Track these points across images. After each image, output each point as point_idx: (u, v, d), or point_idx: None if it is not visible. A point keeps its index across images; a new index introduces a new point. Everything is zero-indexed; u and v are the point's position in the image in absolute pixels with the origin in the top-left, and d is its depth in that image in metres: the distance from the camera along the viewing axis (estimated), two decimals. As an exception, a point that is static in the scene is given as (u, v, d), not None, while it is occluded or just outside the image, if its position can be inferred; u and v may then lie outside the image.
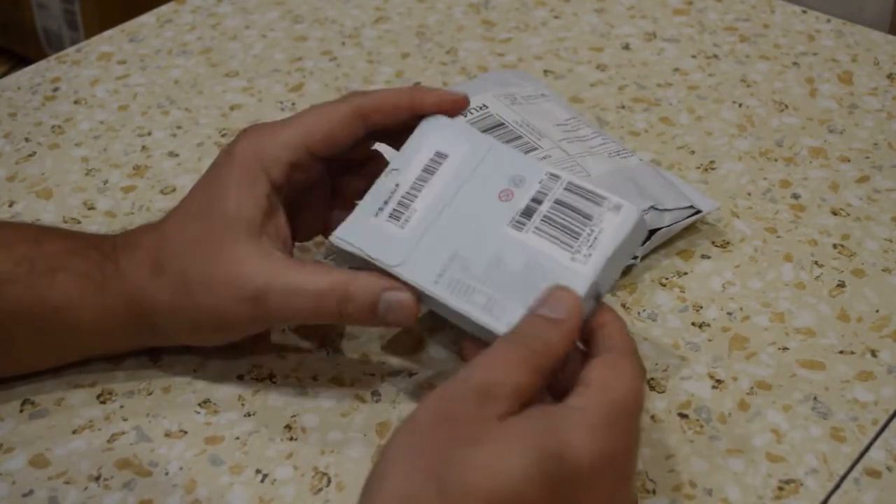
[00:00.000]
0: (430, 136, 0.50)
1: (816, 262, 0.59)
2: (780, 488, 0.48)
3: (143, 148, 0.67)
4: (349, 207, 0.53)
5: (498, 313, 0.45)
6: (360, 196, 0.51)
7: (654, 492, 0.47)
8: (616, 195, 0.48)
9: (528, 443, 0.38)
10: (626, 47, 0.76)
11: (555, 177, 0.48)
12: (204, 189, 0.50)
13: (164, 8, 0.81)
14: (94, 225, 0.61)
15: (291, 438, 0.50)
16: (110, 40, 0.78)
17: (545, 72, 0.74)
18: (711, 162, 0.66)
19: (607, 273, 0.46)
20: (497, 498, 0.37)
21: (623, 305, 0.56)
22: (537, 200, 0.48)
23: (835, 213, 0.62)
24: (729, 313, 0.56)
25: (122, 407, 0.51)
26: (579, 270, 0.46)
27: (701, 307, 0.56)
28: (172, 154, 0.67)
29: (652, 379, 0.52)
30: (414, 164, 0.49)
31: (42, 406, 0.51)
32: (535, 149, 0.60)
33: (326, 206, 0.54)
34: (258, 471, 0.48)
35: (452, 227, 0.47)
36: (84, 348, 0.52)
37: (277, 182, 0.49)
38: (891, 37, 0.77)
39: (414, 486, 0.38)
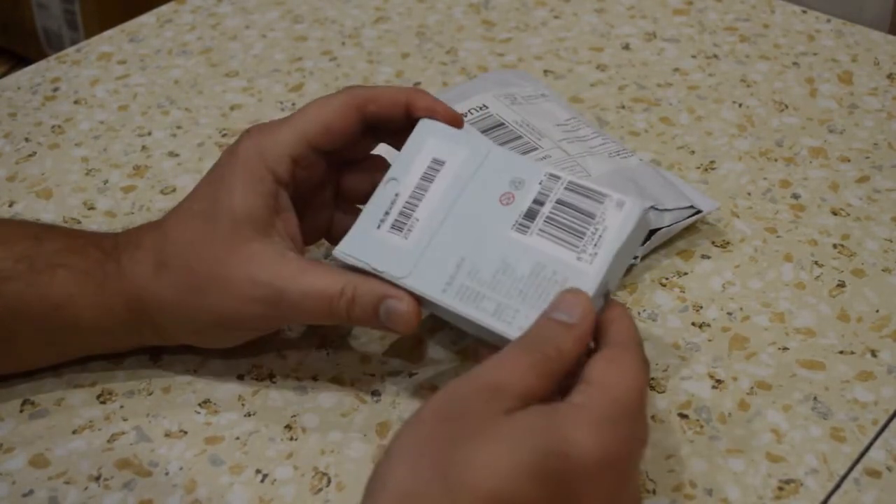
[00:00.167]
0: (427, 141, 0.50)
1: (816, 262, 0.59)
2: (780, 488, 0.48)
3: (143, 148, 0.67)
4: (352, 209, 0.53)
5: (509, 318, 0.45)
6: (363, 197, 0.51)
7: (654, 492, 0.47)
8: (617, 192, 0.48)
9: (530, 440, 0.38)
10: (626, 47, 0.76)
11: (555, 177, 0.48)
12: (207, 188, 0.50)
13: (164, 8, 0.81)
14: (95, 225, 0.61)
15: (291, 438, 0.50)
16: (110, 40, 0.78)
17: (545, 72, 0.74)
18: (711, 162, 0.66)
19: (614, 270, 0.46)
20: (499, 496, 0.37)
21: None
22: (539, 202, 0.48)
23: (835, 213, 0.62)
24: (729, 313, 0.56)
25: (122, 407, 0.51)
26: (586, 270, 0.46)
27: (701, 307, 0.56)
28: (172, 154, 0.67)
29: (652, 379, 0.52)
30: (412, 172, 0.49)
31: (42, 406, 0.51)
32: (536, 149, 0.60)
33: (330, 207, 0.54)
34: (258, 471, 0.48)
35: (456, 235, 0.47)
36: (84, 346, 0.52)
37: (283, 180, 0.49)
38: (891, 37, 0.77)
39: (418, 484, 0.38)
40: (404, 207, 0.49)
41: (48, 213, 0.62)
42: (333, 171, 0.53)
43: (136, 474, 0.48)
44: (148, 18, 0.80)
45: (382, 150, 0.54)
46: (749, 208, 0.62)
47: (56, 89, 0.73)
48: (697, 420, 0.51)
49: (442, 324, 0.54)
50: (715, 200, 0.61)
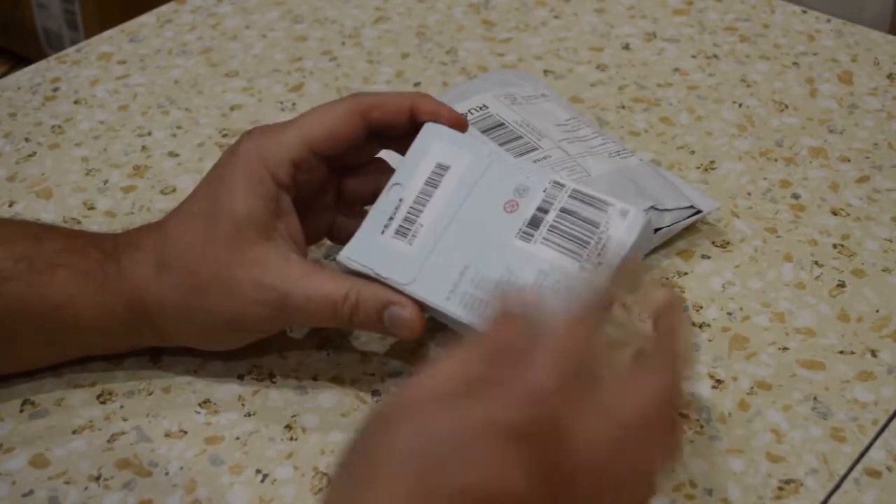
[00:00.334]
0: (431, 146, 0.50)
1: (816, 262, 0.59)
2: (781, 488, 0.48)
3: (143, 148, 0.67)
4: (354, 212, 0.53)
5: None
6: (365, 200, 0.51)
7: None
8: (621, 200, 0.48)
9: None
10: (626, 47, 0.76)
11: (559, 185, 0.48)
12: (207, 190, 0.50)
13: (164, 8, 0.81)
14: (95, 225, 0.61)
15: (291, 438, 0.50)
16: (110, 40, 0.78)
17: (545, 72, 0.74)
18: (711, 162, 0.66)
19: None
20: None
21: (624, 305, 0.56)
22: (543, 210, 0.48)
23: (835, 213, 0.62)
24: (729, 313, 0.56)
25: (122, 407, 0.51)
26: (590, 279, 0.46)
27: (701, 307, 0.56)
28: (172, 154, 0.67)
29: (652, 379, 0.52)
30: (416, 177, 0.49)
31: (42, 406, 0.51)
32: (536, 149, 0.60)
33: (332, 210, 0.53)
34: (258, 471, 0.48)
35: (460, 242, 0.47)
36: (84, 346, 0.52)
37: (283, 183, 0.49)
38: (891, 37, 0.77)
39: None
40: (408, 213, 0.48)
41: (48, 214, 0.62)
42: (335, 174, 0.53)
43: (136, 474, 0.48)
44: (148, 18, 0.80)
45: (384, 153, 0.54)
46: (749, 208, 0.62)
47: (56, 89, 0.73)
48: (697, 420, 0.51)
49: (443, 325, 0.54)
50: (715, 200, 0.61)
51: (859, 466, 0.49)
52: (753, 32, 0.78)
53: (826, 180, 0.64)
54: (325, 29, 0.78)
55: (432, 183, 0.49)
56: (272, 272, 0.48)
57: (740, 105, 0.71)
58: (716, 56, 0.75)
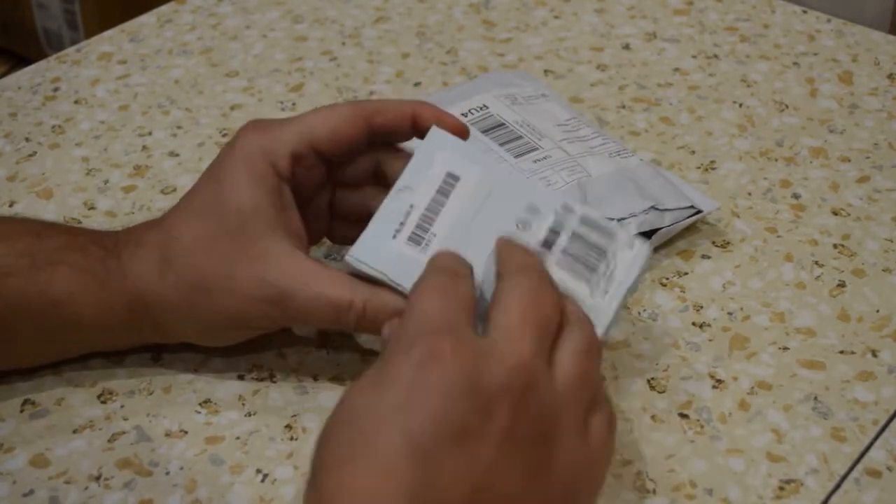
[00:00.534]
0: (439, 153, 0.49)
1: (817, 262, 0.59)
2: (781, 488, 0.48)
3: (144, 148, 0.67)
4: (349, 220, 0.53)
5: None
6: (359, 214, 0.51)
7: (654, 492, 0.47)
8: (627, 230, 0.49)
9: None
10: (627, 47, 0.76)
11: (569, 208, 0.49)
12: (209, 185, 0.50)
13: (164, 8, 0.81)
14: (95, 225, 0.61)
15: (292, 438, 0.50)
16: (110, 40, 0.78)
17: (545, 72, 0.74)
18: (712, 162, 0.66)
19: (621, 306, 0.48)
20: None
21: (624, 305, 0.56)
22: (555, 232, 0.48)
23: (835, 213, 0.62)
24: (729, 313, 0.56)
25: (122, 407, 0.51)
26: (599, 305, 0.47)
27: (701, 307, 0.56)
28: (173, 154, 0.67)
29: (652, 378, 0.53)
30: (426, 183, 0.49)
31: (42, 406, 0.51)
32: (536, 149, 0.60)
33: (326, 217, 0.53)
34: (258, 470, 0.48)
35: (473, 255, 0.47)
36: (84, 344, 0.52)
37: (284, 174, 0.49)
38: (891, 37, 0.77)
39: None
40: (421, 220, 0.48)
41: (48, 213, 0.62)
42: (331, 185, 0.53)
43: (136, 474, 0.48)
44: (148, 18, 0.80)
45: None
46: (749, 208, 0.62)
47: (56, 89, 0.73)
48: (698, 420, 0.51)
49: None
50: (715, 200, 0.61)
51: (859, 466, 0.49)
52: (754, 32, 0.78)
53: (826, 180, 0.64)
54: (326, 29, 0.78)
55: (443, 192, 0.48)
56: (276, 269, 0.47)
57: (741, 105, 0.71)
58: (716, 56, 0.75)
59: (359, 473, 0.37)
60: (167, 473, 0.48)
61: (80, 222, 0.62)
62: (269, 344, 0.54)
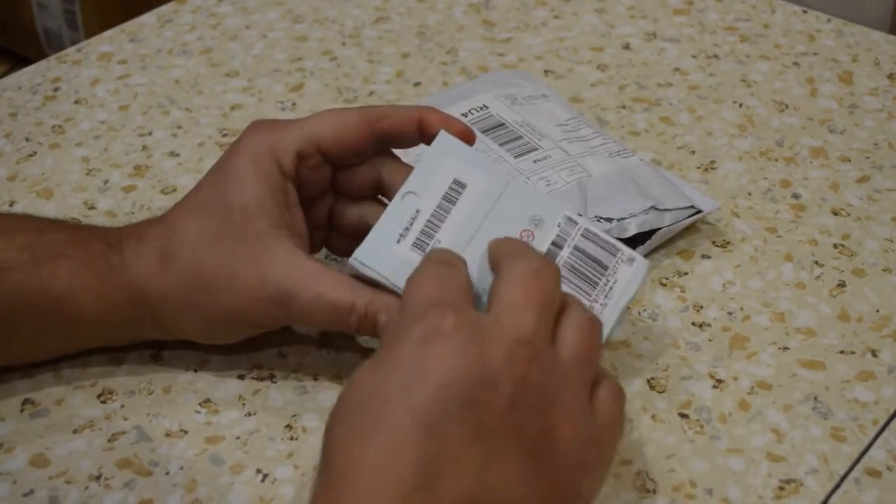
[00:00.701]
0: (446, 159, 0.49)
1: (817, 262, 0.59)
2: (781, 488, 0.48)
3: (144, 148, 0.67)
4: (346, 234, 0.53)
5: None
6: (356, 229, 0.51)
7: (654, 491, 0.47)
8: (628, 247, 0.49)
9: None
10: (627, 47, 0.76)
11: (572, 221, 0.49)
12: (214, 182, 0.50)
13: (164, 8, 0.81)
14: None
15: (292, 438, 0.50)
16: (110, 40, 0.78)
17: (545, 72, 0.74)
18: (712, 162, 0.66)
19: (619, 321, 0.48)
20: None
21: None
22: (558, 245, 0.48)
23: (835, 213, 0.62)
24: (729, 313, 0.56)
25: (122, 406, 0.51)
26: None
27: (701, 307, 0.56)
28: (173, 154, 0.67)
29: (652, 378, 0.53)
30: (432, 189, 0.48)
31: (42, 406, 0.51)
32: (536, 149, 0.60)
33: (326, 225, 0.53)
34: (259, 470, 0.48)
35: (477, 263, 0.47)
36: (85, 339, 0.51)
37: (288, 173, 0.49)
38: (891, 37, 0.77)
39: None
40: (426, 226, 0.48)
41: (48, 213, 0.62)
42: (332, 194, 0.53)
43: (136, 474, 0.48)
44: (148, 18, 0.80)
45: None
46: (749, 208, 0.62)
47: (56, 89, 0.73)
48: (698, 420, 0.51)
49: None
50: (715, 200, 0.61)
51: (859, 466, 0.49)
52: (754, 32, 0.78)
53: (826, 180, 0.64)
54: (326, 29, 0.78)
55: (449, 199, 0.48)
56: (278, 268, 0.47)
57: (741, 105, 0.71)
58: (716, 56, 0.75)
59: (369, 451, 0.37)
60: (167, 473, 0.48)
61: (80, 222, 0.62)
62: (269, 344, 0.54)
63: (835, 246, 0.60)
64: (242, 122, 0.69)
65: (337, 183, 0.52)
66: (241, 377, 0.53)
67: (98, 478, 0.48)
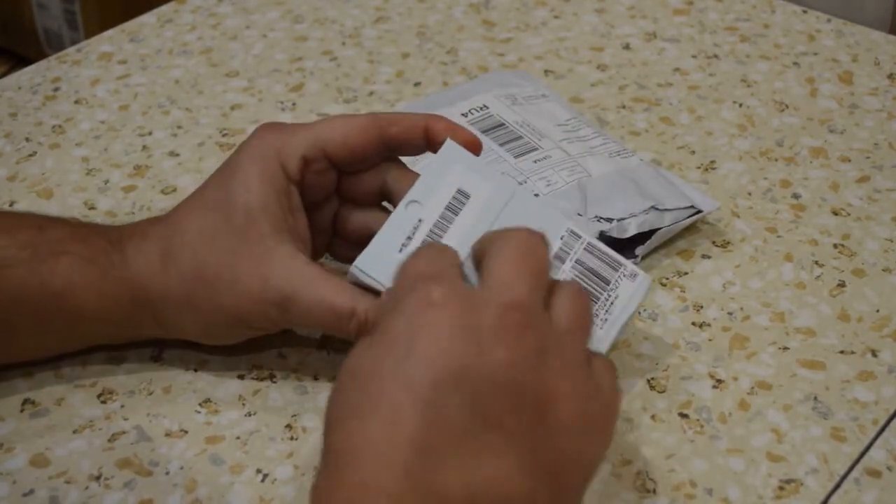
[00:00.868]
0: (451, 168, 0.49)
1: (817, 262, 0.59)
2: (781, 488, 0.48)
3: (144, 148, 0.67)
4: (349, 241, 0.53)
5: None
6: (360, 235, 0.51)
7: (654, 491, 0.47)
8: (629, 262, 0.49)
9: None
10: (627, 47, 0.76)
11: (575, 235, 0.49)
12: (219, 182, 0.50)
13: (164, 8, 0.81)
14: (95, 225, 0.61)
15: (292, 438, 0.50)
16: (111, 40, 0.78)
17: (545, 72, 0.74)
18: (712, 162, 0.66)
19: (619, 334, 0.49)
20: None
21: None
22: (560, 258, 0.48)
23: (835, 213, 0.62)
24: (729, 313, 0.56)
25: (122, 406, 0.51)
26: (598, 333, 0.47)
27: (701, 307, 0.56)
28: (173, 154, 0.67)
29: (652, 378, 0.53)
30: (436, 198, 0.48)
31: (42, 406, 0.51)
32: (536, 149, 0.60)
33: (329, 231, 0.53)
34: (259, 470, 0.48)
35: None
36: (86, 336, 0.51)
37: (293, 176, 0.49)
38: (891, 37, 0.77)
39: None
40: (428, 236, 0.48)
41: (49, 213, 0.62)
42: (337, 199, 0.53)
43: (136, 474, 0.48)
44: (148, 18, 0.80)
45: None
46: (749, 208, 0.62)
47: (56, 89, 0.73)
48: (698, 420, 0.51)
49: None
50: (715, 200, 0.61)
51: (859, 466, 0.49)
52: (754, 32, 0.78)
53: (826, 180, 0.64)
54: (326, 29, 0.78)
55: (453, 209, 0.48)
56: (279, 271, 0.47)
57: (741, 105, 0.71)
58: (716, 56, 0.75)
59: (367, 426, 0.37)
60: (167, 473, 0.48)
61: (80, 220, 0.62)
62: (269, 344, 0.54)
63: (835, 246, 0.60)
64: (242, 122, 0.69)
65: (342, 189, 0.52)
66: (241, 377, 0.53)
67: (98, 478, 0.48)
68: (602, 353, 0.47)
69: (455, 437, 0.36)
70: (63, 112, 0.71)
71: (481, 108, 0.63)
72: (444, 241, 0.48)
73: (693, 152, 0.67)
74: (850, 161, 0.66)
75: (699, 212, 0.59)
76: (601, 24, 0.79)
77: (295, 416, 0.51)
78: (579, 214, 0.57)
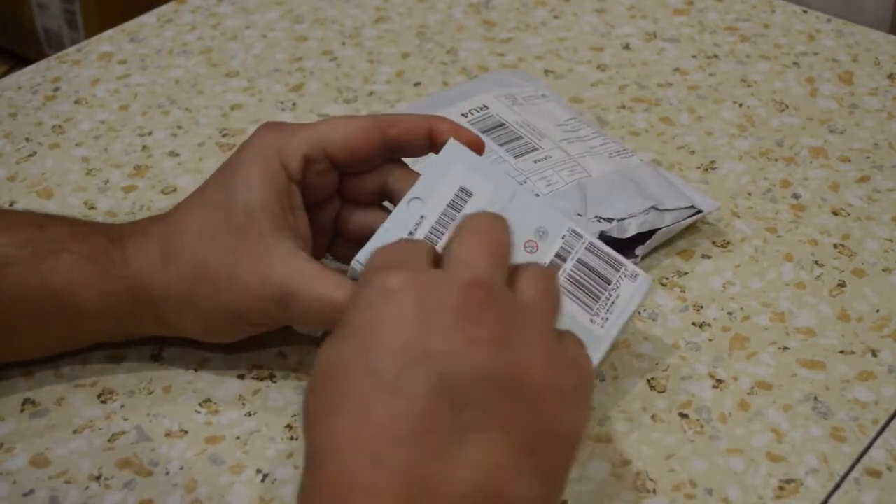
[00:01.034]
0: (454, 167, 0.49)
1: (817, 262, 0.59)
2: (781, 488, 0.48)
3: (144, 148, 0.67)
4: (351, 241, 0.53)
5: None
6: (361, 235, 0.51)
7: (654, 491, 0.47)
8: (630, 263, 0.49)
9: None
10: (627, 47, 0.76)
11: (577, 235, 0.49)
12: (220, 181, 0.50)
13: (164, 8, 0.81)
14: (95, 225, 0.61)
15: (292, 438, 0.50)
16: (111, 40, 0.78)
17: (545, 72, 0.74)
18: (712, 162, 0.66)
19: (620, 334, 0.49)
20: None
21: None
22: (561, 257, 0.49)
23: (835, 213, 0.62)
24: (729, 313, 0.56)
25: (122, 406, 0.51)
26: (598, 333, 0.48)
27: (701, 307, 0.56)
28: (173, 154, 0.67)
29: (652, 378, 0.53)
30: (438, 196, 0.48)
31: (42, 406, 0.51)
32: (536, 149, 0.60)
33: (330, 232, 0.53)
34: (259, 470, 0.48)
35: None
36: (85, 335, 0.51)
37: (294, 176, 0.49)
38: (891, 37, 0.77)
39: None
40: (430, 233, 0.48)
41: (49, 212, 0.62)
42: (338, 200, 0.53)
43: (136, 474, 0.48)
44: (148, 18, 0.80)
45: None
46: (749, 208, 0.62)
47: (56, 89, 0.73)
48: (698, 420, 0.51)
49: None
50: (715, 200, 0.61)
51: (859, 466, 0.49)
52: (754, 32, 0.78)
53: (826, 180, 0.64)
54: (326, 29, 0.78)
55: (455, 206, 0.48)
56: (279, 267, 0.47)
57: (741, 105, 0.71)
58: (716, 56, 0.75)
59: (339, 421, 0.37)
60: (167, 473, 0.48)
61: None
62: (269, 344, 0.54)
63: (835, 246, 0.60)
64: (242, 122, 0.69)
65: (344, 189, 0.52)
66: (241, 377, 0.53)
67: (98, 478, 0.48)
68: (603, 352, 0.48)
69: (426, 422, 0.36)
70: (63, 112, 0.71)
71: (481, 108, 0.63)
72: (445, 238, 0.48)
73: (693, 152, 0.67)
74: (850, 161, 0.66)
75: (699, 212, 0.59)
76: (601, 24, 0.79)
77: (295, 416, 0.51)
78: (579, 214, 0.57)
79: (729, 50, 0.76)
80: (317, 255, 0.53)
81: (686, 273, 0.58)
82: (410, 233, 0.48)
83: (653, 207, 0.58)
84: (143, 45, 0.77)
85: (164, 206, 0.62)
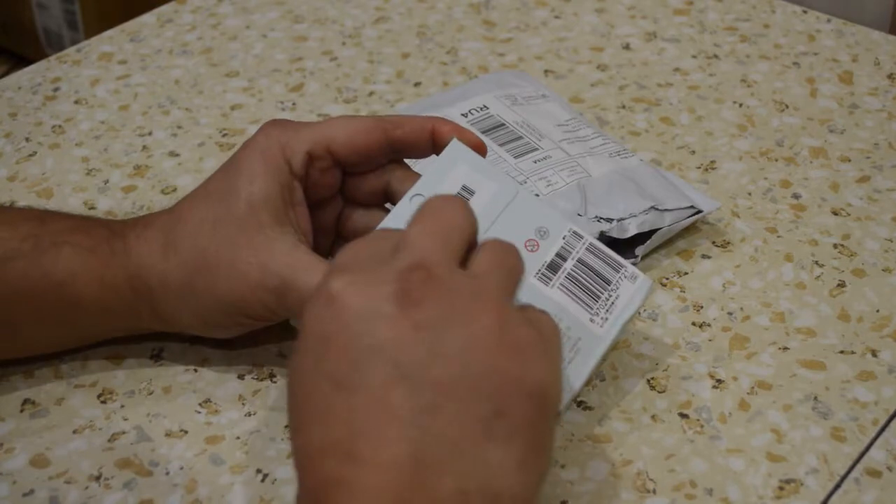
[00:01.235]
0: (456, 166, 0.49)
1: (817, 262, 0.59)
2: (781, 488, 0.48)
3: (144, 148, 0.67)
4: (354, 239, 0.53)
5: None
6: (364, 234, 0.51)
7: (654, 491, 0.47)
8: (630, 264, 0.50)
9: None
10: (627, 47, 0.76)
11: (577, 235, 0.49)
12: (224, 174, 0.50)
13: (164, 8, 0.81)
14: (95, 225, 0.61)
15: (292, 438, 0.50)
16: (111, 40, 0.78)
17: (545, 72, 0.74)
18: (712, 162, 0.66)
19: (619, 335, 0.49)
20: None
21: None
22: (562, 257, 0.49)
23: (835, 213, 0.62)
24: (729, 313, 0.56)
25: (122, 406, 0.51)
26: (598, 333, 0.48)
27: (701, 307, 0.56)
28: (173, 154, 0.67)
29: (652, 378, 0.53)
30: (440, 193, 0.49)
31: (42, 406, 0.51)
32: (536, 149, 0.60)
33: (332, 232, 0.53)
34: (259, 470, 0.48)
35: None
36: (86, 329, 0.51)
37: (297, 172, 0.49)
38: (891, 37, 0.77)
39: None
40: None
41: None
42: (341, 200, 0.53)
43: (136, 474, 0.48)
44: (148, 18, 0.80)
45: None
46: (749, 208, 0.62)
47: (56, 89, 0.73)
48: (698, 420, 0.51)
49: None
50: (715, 200, 0.61)
51: (859, 466, 0.49)
52: (754, 32, 0.78)
53: (826, 180, 0.64)
54: (326, 29, 0.78)
55: None
56: (279, 258, 0.48)
57: (741, 105, 0.71)
58: (716, 56, 0.75)
59: (307, 431, 0.37)
60: (167, 473, 0.48)
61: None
62: (269, 344, 0.54)
63: (835, 246, 0.60)
64: (242, 123, 0.69)
65: (346, 189, 0.52)
66: (241, 377, 0.53)
67: (98, 478, 0.48)
68: (602, 352, 0.48)
69: (388, 413, 0.36)
70: (63, 112, 0.71)
71: (481, 109, 0.63)
72: None
73: (693, 152, 0.67)
74: (850, 161, 0.66)
75: (699, 212, 0.59)
76: (601, 24, 0.79)
77: (295, 416, 0.51)
78: (579, 215, 0.57)
79: (729, 50, 0.76)
80: (320, 255, 0.53)
81: (686, 273, 0.58)
82: None
83: (653, 207, 0.58)
84: (143, 45, 0.77)
85: (164, 206, 0.62)
